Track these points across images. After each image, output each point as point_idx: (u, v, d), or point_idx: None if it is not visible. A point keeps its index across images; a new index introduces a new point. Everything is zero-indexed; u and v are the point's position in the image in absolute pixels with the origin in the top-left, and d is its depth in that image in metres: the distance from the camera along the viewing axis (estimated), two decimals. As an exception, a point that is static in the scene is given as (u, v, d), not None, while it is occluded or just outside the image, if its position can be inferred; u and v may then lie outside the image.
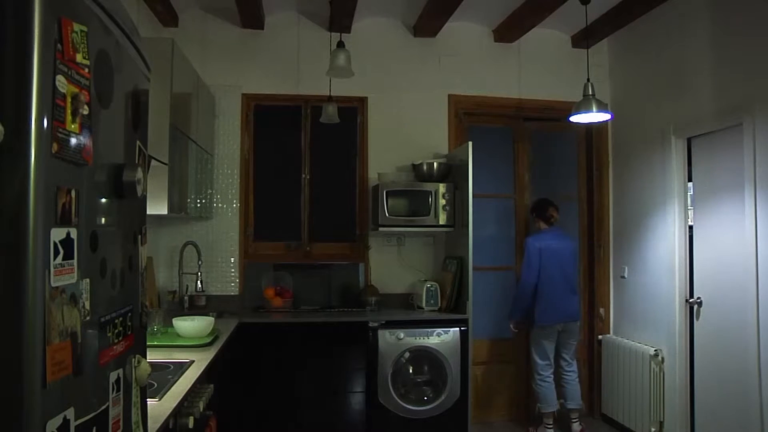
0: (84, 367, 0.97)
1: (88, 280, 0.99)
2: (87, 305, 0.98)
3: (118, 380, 1.14)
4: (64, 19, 0.90)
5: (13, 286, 0.83)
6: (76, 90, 0.94)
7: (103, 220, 1.09)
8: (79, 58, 0.94)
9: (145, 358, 1.32)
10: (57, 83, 0.88)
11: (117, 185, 1.15)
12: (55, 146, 0.87)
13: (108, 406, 1.08)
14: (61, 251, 0.89)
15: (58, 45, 0.88)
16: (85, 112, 0.96)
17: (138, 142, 1.33)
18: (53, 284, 0.87)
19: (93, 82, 1.00)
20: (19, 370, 0.82)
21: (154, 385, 1.98)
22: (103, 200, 1.10)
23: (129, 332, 1.22)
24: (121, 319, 1.16)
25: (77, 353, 0.94)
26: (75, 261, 0.93)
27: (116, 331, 1.14)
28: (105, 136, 1.09)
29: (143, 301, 1.36)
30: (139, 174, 1.19)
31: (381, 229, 4.06)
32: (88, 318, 0.98)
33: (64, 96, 0.90)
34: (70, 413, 0.92)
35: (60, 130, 0.89)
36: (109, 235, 1.12)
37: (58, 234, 0.89)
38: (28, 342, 0.83)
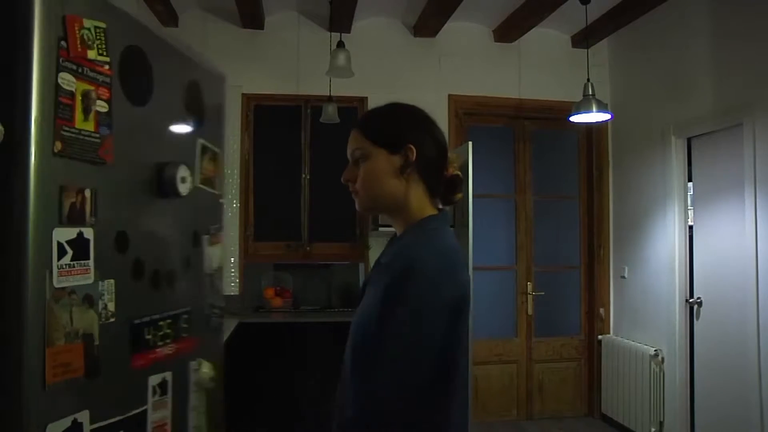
0: (103, 370, 0.94)
1: (112, 281, 0.96)
2: (111, 306, 0.95)
3: (163, 383, 1.10)
4: (69, 16, 0.88)
5: (3, 287, 0.81)
6: (90, 87, 0.91)
7: (137, 219, 1.05)
8: (92, 54, 0.92)
9: (215, 362, 1.27)
10: (60, 81, 0.86)
11: (160, 184, 1.11)
12: (58, 145, 0.86)
13: (146, 409, 1.04)
14: (69, 251, 0.87)
15: (62, 42, 0.87)
16: (103, 110, 0.94)
17: (201, 140, 1.26)
18: (57, 285, 0.84)
19: (119, 78, 0.97)
20: (17, 371, 0.81)
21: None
22: (138, 199, 1.05)
23: (184, 335, 1.16)
24: (169, 321, 1.12)
25: (93, 355, 0.91)
26: (91, 261, 0.91)
27: (160, 333, 1.09)
28: (141, 134, 1.05)
29: (213, 302, 1.29)
30: (183, 172, 1.13)
31: (381, 229, 4.06)
32: (112, 320, 0.96)
33: (71, 94, 0.88)
34: (83, 416, 0.90)
35: (66, 128, 0.87)
36: (146, 235, 1.07)
37: (63, 234, 0.87)
38: (22, 343, 0.81)
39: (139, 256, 1.04)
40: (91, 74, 0.92)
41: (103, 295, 0.94)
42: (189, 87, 1.24)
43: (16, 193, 0.83)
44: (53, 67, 0.86)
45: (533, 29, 4.40)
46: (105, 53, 0.94)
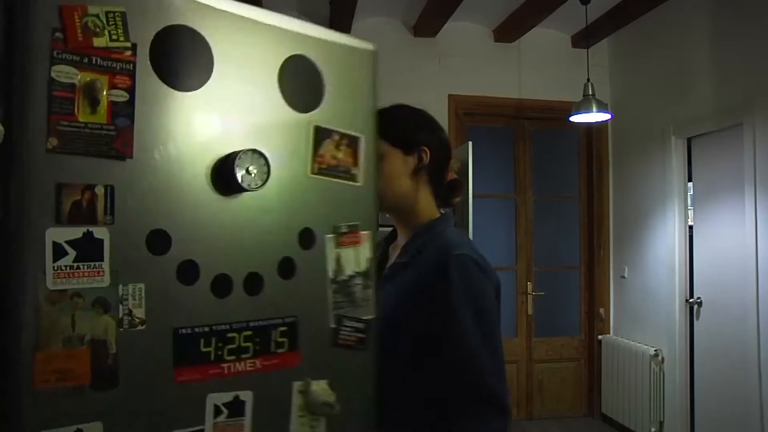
0: (123, 381, 0.88)
1: (142, 285, 0.89)
2: (139, 313, 0.89)
3: (235, 403, 0.98)
4: (64, 6, 0.85)
5: None
6: (100, 76, 0.87)
7: (187, 217, 0.94)
8: (101, 42, 0.87)
9: (332, 382, 1.08)
10: (55, 75, 0.84)
11: (218, 178, 0.98)
12: (53, 141, 0.83)
13: (201, 429, 0.95)
14: (71, 252, 0.84)
15: (57, 34, 0.84)
16: (122, 99, 0.89)
17: (315, 123, 1.08)
18: (53, 287, 0.82)
19: (151, 62, 0.90)
20: (4, 374, 0.79)
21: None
22: (189, 195, 0.95)
23: (279, 350, 1.02)
24: (248, 332, 0.99)
25: (106, 364, 0.86)
26: (105, 263, 0.86)
27: (230, 346, 0.97)
28: (194, 121, 0.95)
29: (345, 314, 1.10)
30: (249, 162, 0.98)
31: (381, 229, 4.05)
32: (141, 327, 0.89)
33: (72, 86, 0.85)
34: (93, 428, 0.85)
35: (64, 123, 0.84)
36: (203, 234, 0.96)
37: (61, 234, 0.84)
38: (6, 346, 0.79)
39: (191, 257, 0.93)
40: (103, 63, 0.87)
41: (126, 299, 0.88)
42: (288, 63, 1.06)
43: (10, 194, 0.81)
44: (46, 60, 0.83)
45: (533, 29, 4.40)
46: (123, 38, 0.89)
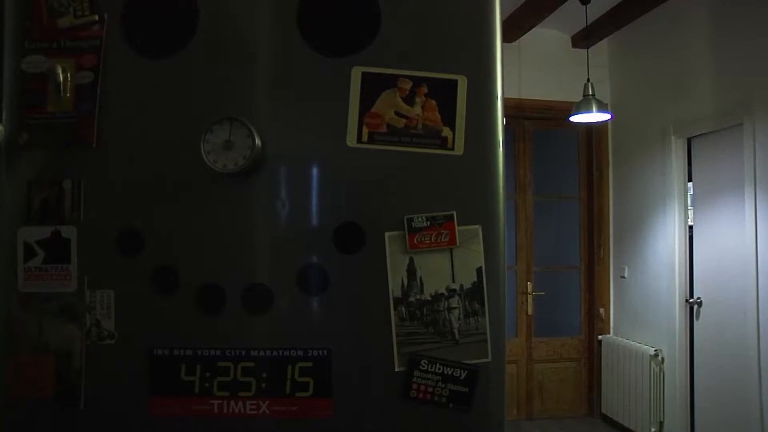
0: (87, 401, 0.76)
1: (111, 292, 0.76)
2: (108, 324, 0.76)
3: None
4: None
5: None
6: (63, 61, 0.78)
7: (168, 213, 0.78)
8: (66, 22, 0.78)
9: None
10: (26, 67, 0.77)
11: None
12: (24, 136, 0.77)
13: None
14: (41, 253, 0.75)
15: (27, 23, 0.78)
16: (87, 80, 0.78)
17: (361, 69, 0.74)
18: (23, 290, 0.75)
19: (124, 33, 0.78)
20: None
21: None
22: (169, 186, 0.78)
23: (301, 394, 0.74)
24: (248, 363, 0.74)
25: (69, 378, 0.75)
26: (72, 265, 0.75)
27: (223, 379, 0.75)
28: (177, 95, 0.78)
29: (424, 352, 0.76)
30: (222, 134, 0.73)
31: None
32: (109, 341, 0.76)
33: (41, 76, 0.77)
34: None
35: (35, 116, 0.77)
36: (179, 232, 0.77)
37: (31, 233, 0.76)
38: None
39: (168, 262, 0.76)
40: (70, 44, 0.78)
41: (94, 308, 0.76)
42: None
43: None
44: (19, 53, 0.77)
45: (533, 29, 4.40)
46: (88, 12, 0.78)
